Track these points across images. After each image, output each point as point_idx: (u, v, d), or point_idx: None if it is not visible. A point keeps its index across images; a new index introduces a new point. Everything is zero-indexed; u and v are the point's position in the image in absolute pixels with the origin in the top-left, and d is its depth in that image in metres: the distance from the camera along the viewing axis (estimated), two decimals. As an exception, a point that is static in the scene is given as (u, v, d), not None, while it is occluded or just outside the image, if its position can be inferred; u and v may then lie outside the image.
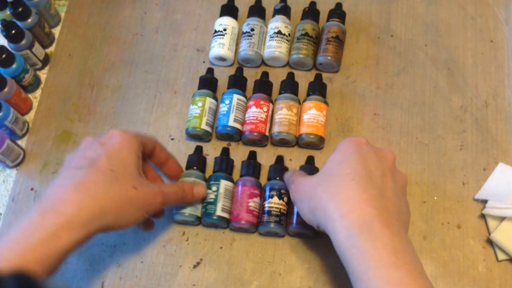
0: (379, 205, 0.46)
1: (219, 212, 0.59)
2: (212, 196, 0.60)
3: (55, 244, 0.46)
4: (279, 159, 0.63)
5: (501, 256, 0.58)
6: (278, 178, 0.61)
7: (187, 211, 0.60)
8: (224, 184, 0.61)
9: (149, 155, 0.59)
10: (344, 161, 0.50)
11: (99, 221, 0.48)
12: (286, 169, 0.62)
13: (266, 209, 0.59)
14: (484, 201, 0.60)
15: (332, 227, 0.47)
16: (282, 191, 0.60)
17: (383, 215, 0.45)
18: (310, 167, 0.61)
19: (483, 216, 0.60)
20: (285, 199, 0.59)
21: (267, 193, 0.60)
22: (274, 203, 0.59)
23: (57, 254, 0.46)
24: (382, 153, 0.51)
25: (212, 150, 0.66)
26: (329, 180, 0.49)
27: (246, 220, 0.59)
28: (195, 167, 0.62)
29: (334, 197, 0.48)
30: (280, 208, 0.59)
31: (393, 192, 0.49)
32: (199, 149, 0.64)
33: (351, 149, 0.51)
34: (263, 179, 0.63)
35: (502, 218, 0.58)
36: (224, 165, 0.62)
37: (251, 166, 0.62)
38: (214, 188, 0.60)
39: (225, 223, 0.60)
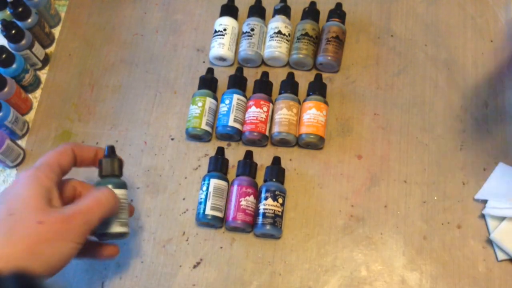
0: None
1: (208, 211, 0.60)
2: (202, 195, 0.60)
3: None
4: (276, 160, 0.63)
5: (501, 256, 0.58)
6: (274, 179, 0.61)
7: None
8: (214, 183, 0.61)
9: (75, 164, 0.54)
10: None
11: (8, 272, 0.39)
12: (283, 170, 0.62)
13: (261, 211, 0.59)
14: (484, 201, 0.60)
15: None
16: (277, 192, 0.60)
17: None
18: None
19: (483, 216, 0.60)
20: (280, 200, 0.59)
21: (263, 195, 0.60)
22: (268, 205, 0.59)
23: None
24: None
25: (212, 150, 0.66)
26: None
27: (240, 220, 0.59)
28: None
29: None
30: (275, 210, 0.59)
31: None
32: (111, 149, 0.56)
33: None
34: (262, 179, 0.63)
35: (502, 218, 0.58)
36: (219, 164, 0.62)
37: (247, 165, 0.62)
38: (204, 188, 0.61)
39: (219, 222, 0.60)
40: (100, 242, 0.54)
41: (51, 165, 0.50)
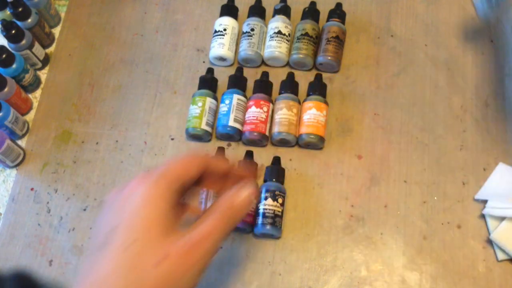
0: None
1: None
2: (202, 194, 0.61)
3: None
4: (276, 160, 0.63)
5: (501, 256, 0.58)
6: (274, 179, 0.61)
7: None
8: None
9: (197, 179, 0.44)
10: None
11: None
12: (282, 170, 0.62)
13: (261, 211, 0.59)
14: (484, 201, 0.60)
15: None
16: (277, 192, 0.60)
17: None
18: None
19: (483, 216, 0.60)
20: (280, 200, 0.59)
21: (262, 195, 0.60)
22: (268, 205, 0.59)
23: None
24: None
25: (212, 150, 0.66)
26: None
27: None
28: None
29: None
30: (274, 210, 0.59)
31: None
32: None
33: None
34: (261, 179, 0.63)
35: (502, 218, 0.58)
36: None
37: (248, 165, 0.62)
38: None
39: None
40: None
41: (174, 180, 0.41)
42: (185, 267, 0.38)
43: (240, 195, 0.43)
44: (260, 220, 0.59)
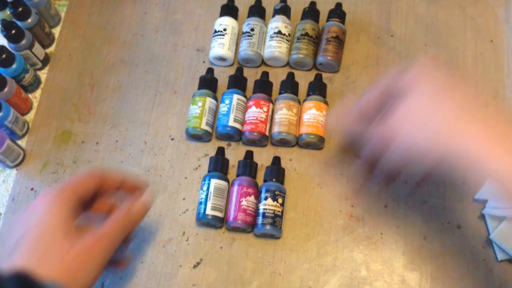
0: None
1: (208, 211, 0.60)
2: (202, 195, 0.61)
3: None
4: (276, 160, 0.63)
5: (501, 256, 0.58)
6: (274, 179, 0.61)
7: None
8: (214, 183, 0.61)
9: (98, 193, 0.53)
10: (446, 82, 0.45)
11: None
12: (282, 170, 0.62)
13: (261, 211, 0.59)
14: (484, 201, 0.60)
15: (484, 153, 0.41)
16: (277, 192, 0.60)
17: None
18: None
19: (483, 216, 0.60)
20: (280, 200, 0.59)
21: (262, 195, 0.60)
22: (268, 205, 0.59)
23: None
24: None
25: (212, 150, 0.66)
26: (448, 103, 0.43)
27: (241, 220, 0.59)
28: None
29: (475, 122, 0.42)
30: (275, 210, 0.59)
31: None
32: None
33: (438, 70, 0.45)
34: (262, 179, 0.63)
35: (502, 218, 0.58)
36: (219, 165, 0.62)
37: (247, 165, 0.62)
38: (204, 188, 0.61)
39: (219, 222, 0.60)
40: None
41: (73, 190, 0.50)
42: (85, 261, 0.46)
43: (136, 204, 0.52)
44: (260, 220, 0.59)
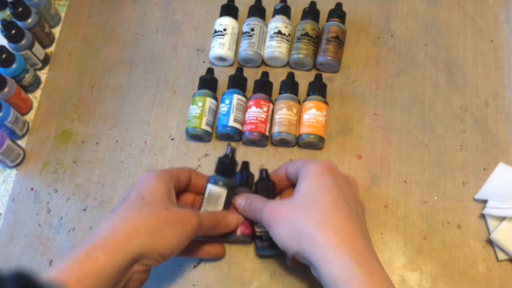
0: (365, 237, 0.49)
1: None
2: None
3: (91, 264, 0.45)
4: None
5: (501, 256, 0.58)
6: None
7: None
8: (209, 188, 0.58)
9: (186, 186, 0.58)
10: (322, 188, 0.51)
11: (135, 241, 0.47)
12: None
13: (257, 233, 0.58)
14: (484, 201, 0.60)
15: (322, 256, 0.47)
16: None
17: (370, 248, 0.48)
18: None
19: (483, 216, 0.60)
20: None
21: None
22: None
23: (95, 275, 0.45)
24: (351, 182, 0.55)
25: (212, 150, 0.66)
26: (312, 208, 0.50)
27: (241, 232, 0.58)
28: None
29: (323, 227, 0.48)
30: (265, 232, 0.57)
31: (364, 219, 0.53)
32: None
33: (327, 176, 0.51)
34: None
35: (502, 218, 0.58)
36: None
37: (244, 176, 0.59)
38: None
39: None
40: (206, 241, 0.59)
41: (173, 173, 0.56)
42: (179, 221, 0.50)
43: (231, 217, 0.57)
44: (259, 244, 0.58)
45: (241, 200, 0.57)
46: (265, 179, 0.59)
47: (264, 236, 0.57)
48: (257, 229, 0.58)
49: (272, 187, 0.58)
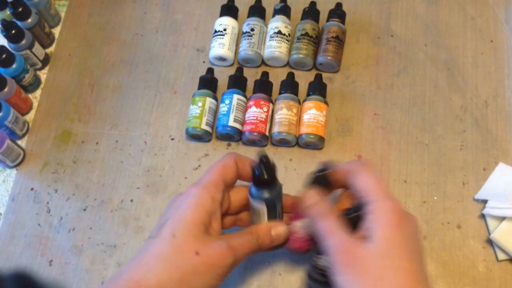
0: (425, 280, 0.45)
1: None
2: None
3: None
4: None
5: (501, 256, 0.58)
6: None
7: None
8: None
9: (235, 180, 0.53)
10: (403, 246, 0.45)
11: None
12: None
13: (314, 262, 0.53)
14: (484, 201, 0.60)
15: None
16: None
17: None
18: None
19: (483, 216, 0.60)
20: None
21: None
22: None
23: None
24: (416, 223, 0.48)
25: (212, 150, 0.66)
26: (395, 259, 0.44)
27: (293, 248, 0.54)
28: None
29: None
30: None
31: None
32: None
33: (404, 228, 0.46)
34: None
35: (502, 218, 0.58)
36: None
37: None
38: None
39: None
40: None
41: (217, 183, 0.50)
42: (209, 269, 0.46)
43: (277, 229, 0.51)
44: (313, 273, 0.53)
45: (298, 223, 0.52)
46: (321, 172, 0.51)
47: (320, 268, 0.50)
48: (316, 259, 0.50)
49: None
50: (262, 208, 0.50)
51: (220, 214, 0.50)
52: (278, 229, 0.51)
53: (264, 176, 0.48)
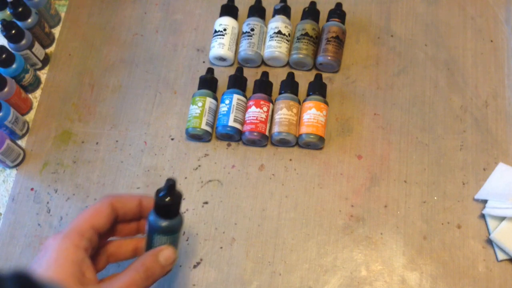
0: None
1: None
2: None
3: None
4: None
5: (501, 256, 0.58)
6: None
7: None
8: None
9: (118, 219, 0.48)
10: None
11: None
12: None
13: None
14: (484, 201, 0.60)
15: None
16: None
17: None
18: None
19: (483, 216, 0.60)
20: None
21: None
22: None
23: None
24: None
25: (212, 150, 0.66)
26: None
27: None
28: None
29: None
30: None
31: None
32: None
33: None
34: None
35: (502, 218, 0.58)
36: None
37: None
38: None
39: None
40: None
41: (81, 229, 0.44)
42: None
43: (164, 253, 0.45)
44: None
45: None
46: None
47: None
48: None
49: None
50: (159, 238, 0.46)
51: (90, 260, 0.44)
52: (165, 253, 0.46)
53: (166, 200, 0.44)
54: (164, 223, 0.45)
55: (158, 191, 0.44)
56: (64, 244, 0.42)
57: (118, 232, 0.49)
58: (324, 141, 0.64)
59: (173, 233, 0.46)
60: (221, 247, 0.61)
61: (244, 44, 0.69)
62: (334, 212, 0.62)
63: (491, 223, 0.59)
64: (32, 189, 0.66)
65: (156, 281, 0.46)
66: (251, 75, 0.69)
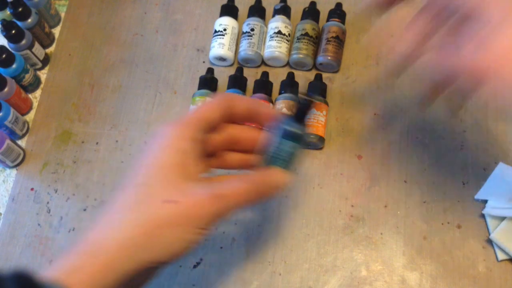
0: None
1: None
2: None
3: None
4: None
5: (501, 256, 0.58)
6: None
7: None
8: None
9: (228, 119, 0.45)
10: None
11: (126, 257, 0.37)
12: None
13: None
14: (484, 201, 0.60)
15: None
16: None
17: None
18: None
19: (483, 216, 0.60)
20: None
21: None
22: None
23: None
24: None
25: (212, 150, 0.66)
26: None
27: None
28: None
29: None
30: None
31: None
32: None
33: None
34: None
35: (502, 218, 0.58)
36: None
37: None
38: None
39: None
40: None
41: (197, 120, 0.42)
42: (187, 220, 0.38)
43: (277, 175, 0.43)
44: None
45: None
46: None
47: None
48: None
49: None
50: (288, 145, 0.43)
51: (201, 156, 0.42)
52: (281, 175, 0.43)
53: (310, 105, 0.42)
54: (300, 128, 0.42)
55: (300, 100, 0.42)
56: (179, 132, 0.41)
57: (225, 162, 0.46)
58: (324, 141, 0.64)
59: (301, 142, 0.43)
60: (221, 247, 0.61)
61: (244, 44, 0.69)
62: (334, 212, 0.62)
63: (491, 223, 0.59)
64: (32, 189, 0.66)
65: (263, 203, 0.44)
66: (251, 75, 0.69)
